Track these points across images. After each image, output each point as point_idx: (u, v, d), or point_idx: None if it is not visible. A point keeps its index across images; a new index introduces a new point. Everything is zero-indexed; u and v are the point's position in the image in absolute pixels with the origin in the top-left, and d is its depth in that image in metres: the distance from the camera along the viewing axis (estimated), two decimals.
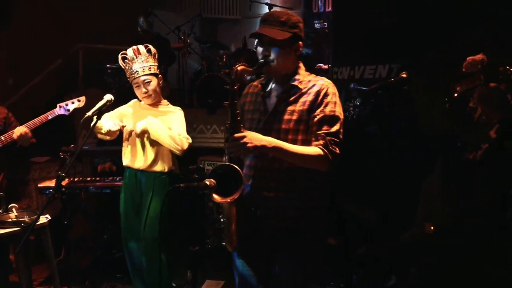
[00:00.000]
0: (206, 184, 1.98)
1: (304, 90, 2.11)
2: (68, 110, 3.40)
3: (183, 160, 3.64)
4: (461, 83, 1.97)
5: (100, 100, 2.79)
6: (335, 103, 2.08)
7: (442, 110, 1.95)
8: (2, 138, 3.31)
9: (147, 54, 2.99)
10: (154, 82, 3.00)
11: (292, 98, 2.11)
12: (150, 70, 2.98)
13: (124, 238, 3.13)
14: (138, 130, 2.99)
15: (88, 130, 2.74)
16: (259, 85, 2.25)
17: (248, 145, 1.93)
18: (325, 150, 2.00)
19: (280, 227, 2.11)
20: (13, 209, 3.13)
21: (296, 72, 2.17)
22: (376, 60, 3.46)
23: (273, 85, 2.21)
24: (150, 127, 2.94)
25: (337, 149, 2.03)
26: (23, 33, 5.72)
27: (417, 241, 2.45)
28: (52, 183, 3.94)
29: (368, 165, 3.32)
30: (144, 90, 2.98)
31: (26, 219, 3.06)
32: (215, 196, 1.98)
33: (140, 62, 2.96)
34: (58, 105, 3.39)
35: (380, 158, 3.11)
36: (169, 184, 3.05)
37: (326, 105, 2.06)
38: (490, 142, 1.94)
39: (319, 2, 7.24)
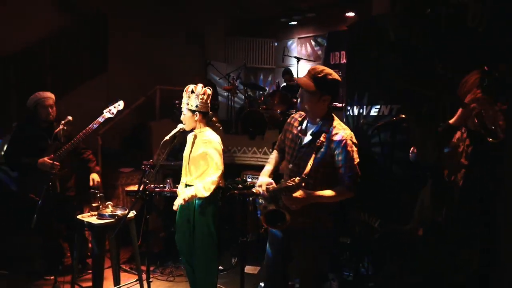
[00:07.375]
0: (253, 192, 2.08)
1: (332, 137, 2.10)
2: (113, 113, 3.45)
3: (230, 174, 3.58)
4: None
5: (174, 128, 2.88)
6: (355, 151, 2.10)
7: (434, 143, 1.96)
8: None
9: (190, 93, 2.91)
10: (187, 115, 2.91)
11: (321, 140, 2.05)
12: (186, 106, 2.91)
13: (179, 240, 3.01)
14: (186, 197, 2.83)
15: (165, 150, 2.85)
16: (298, 119, 2.26)
17: (297, 204, 2.00)
18: (352, 188, 2.07)
19: (299, 229, 2.15)
20: (109, 206, 3.21)
21: (326, 118, 2.15)
22: (380, 101, 3.48)
23: (308, 124, 2.22)
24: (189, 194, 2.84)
25: (357, 180, 2.09)
26: (118, 75, 5.95)
27: (409, 236, 2.42)
28: (134, 188, 4.03)
29: (375, 183, 3.31)
30: (182, 117, 2.95)
31: (119, 214, 3.12)
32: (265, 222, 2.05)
33: (186, 97, 2.92)
34: (104, 111, 3.41)
35: (384, 177, 3.11)
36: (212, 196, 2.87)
37: (348, 154, 2.07)
38: (464, 168, 1.93)
39: (336, 56, 7.32)
